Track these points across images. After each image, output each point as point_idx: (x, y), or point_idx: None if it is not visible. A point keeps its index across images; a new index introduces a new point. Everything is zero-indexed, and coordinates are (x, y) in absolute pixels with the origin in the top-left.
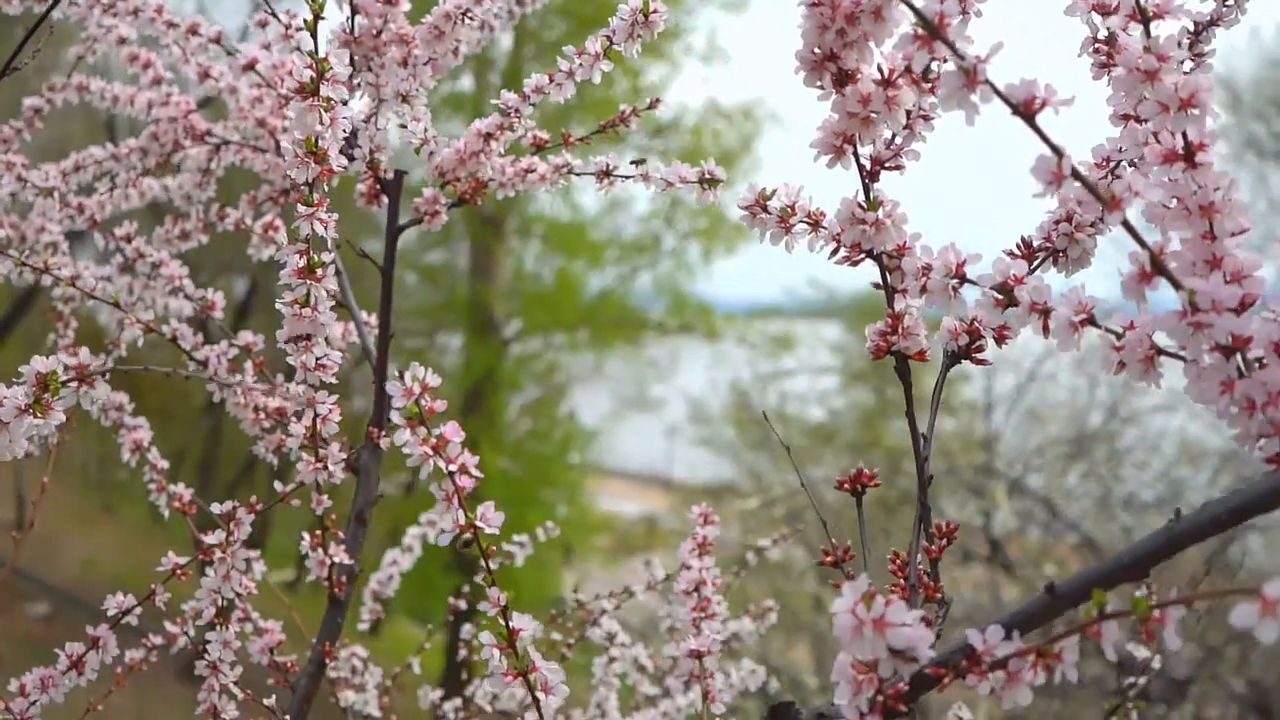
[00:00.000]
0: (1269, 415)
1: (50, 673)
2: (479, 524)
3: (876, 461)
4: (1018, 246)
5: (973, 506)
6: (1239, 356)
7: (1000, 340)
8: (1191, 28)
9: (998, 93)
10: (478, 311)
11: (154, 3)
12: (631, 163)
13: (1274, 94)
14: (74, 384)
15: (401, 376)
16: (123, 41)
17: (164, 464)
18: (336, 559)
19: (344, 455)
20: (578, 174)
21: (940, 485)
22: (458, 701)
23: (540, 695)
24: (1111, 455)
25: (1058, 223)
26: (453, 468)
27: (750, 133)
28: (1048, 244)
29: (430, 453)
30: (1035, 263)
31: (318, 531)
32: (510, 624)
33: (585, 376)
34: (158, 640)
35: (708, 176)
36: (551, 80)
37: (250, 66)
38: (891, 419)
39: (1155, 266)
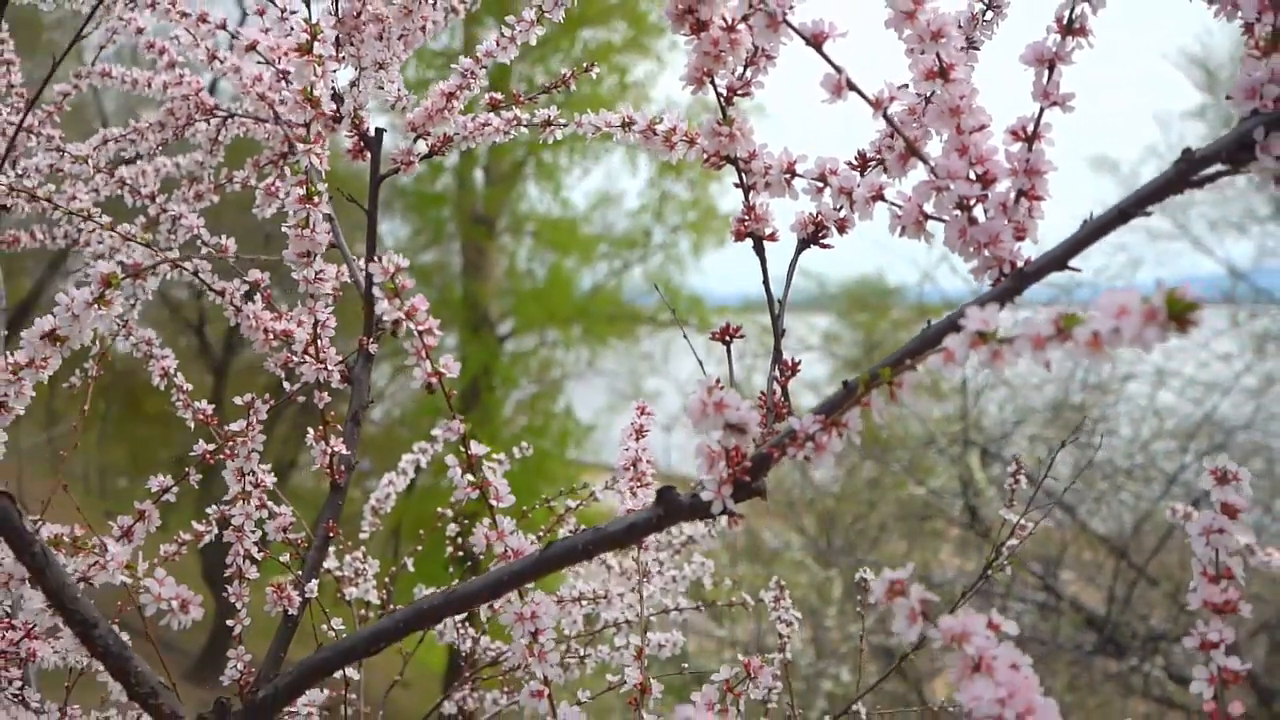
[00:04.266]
0: (991, 253)
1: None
2: (442, 369)
3: (867, 445)
4: (855, 156)
5: (952, 473)
6: (973, 212)
7: (841, 230)
8: None
9: (795, 30)
10: (472, 310)
11: None
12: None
13: None
14: (130, 279)
15: (380, 259)
16: (140, 31)
17: (188, 386)
18: (336, 450)
19: (340, 359)
20: (525, 125)
21: (920, 459)
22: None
23: (493, 503)
24: (1091, 426)
25: (883, 138)
26: (421, 328)
27: None
28: (878, 155)
29: (404, 317)
30: (868, 169)
31: (320, 426)
32: (469, 450)
33: (580, 372)
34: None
35: (627, 120)
36: (498, 44)
37: (252, 47)
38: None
39: (910, 150)
